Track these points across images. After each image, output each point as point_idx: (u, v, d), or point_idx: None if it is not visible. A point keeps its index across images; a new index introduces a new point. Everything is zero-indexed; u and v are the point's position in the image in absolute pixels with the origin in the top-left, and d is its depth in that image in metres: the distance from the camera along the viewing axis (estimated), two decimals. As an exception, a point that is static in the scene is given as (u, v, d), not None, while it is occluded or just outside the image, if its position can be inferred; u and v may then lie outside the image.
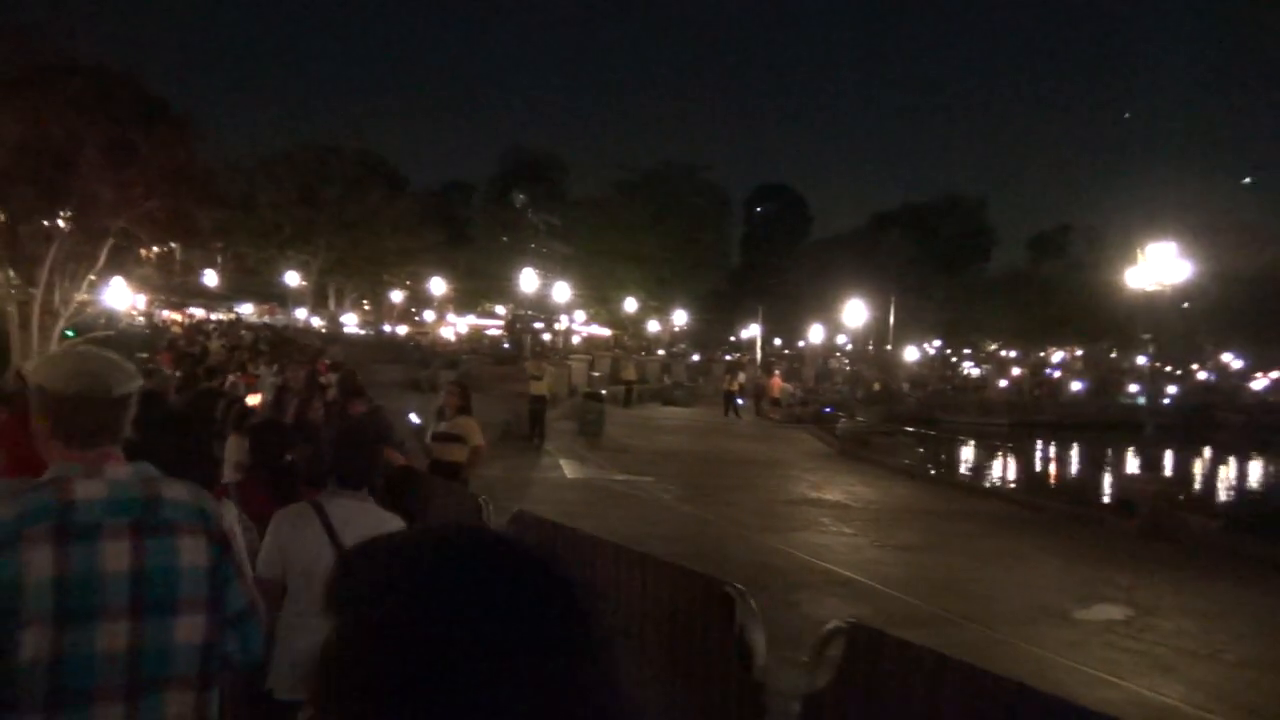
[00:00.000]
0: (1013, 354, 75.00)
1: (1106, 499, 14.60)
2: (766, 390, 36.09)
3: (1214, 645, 7.47)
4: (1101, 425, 45.66)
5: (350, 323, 53.22)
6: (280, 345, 25.11)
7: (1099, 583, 9.60)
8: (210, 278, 46.52)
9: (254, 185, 40.71)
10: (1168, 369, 65.91)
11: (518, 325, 50.10)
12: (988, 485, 23.05)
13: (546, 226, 54.53)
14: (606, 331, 61.05)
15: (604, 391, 25.99)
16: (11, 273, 18.88)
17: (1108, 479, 25.75)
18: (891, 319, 43.56)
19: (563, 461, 17.17)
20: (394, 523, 3.47)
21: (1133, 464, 30.84)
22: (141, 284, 27.84)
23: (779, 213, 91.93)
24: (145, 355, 19.00)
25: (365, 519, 3.32)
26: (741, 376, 37.34)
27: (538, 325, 52.98)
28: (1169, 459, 25.84)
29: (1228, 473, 32.27)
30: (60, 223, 19.32)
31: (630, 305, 52.46)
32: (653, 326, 58.57)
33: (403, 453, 7.24)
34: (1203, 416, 46.62)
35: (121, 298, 26.59)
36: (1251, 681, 6.69)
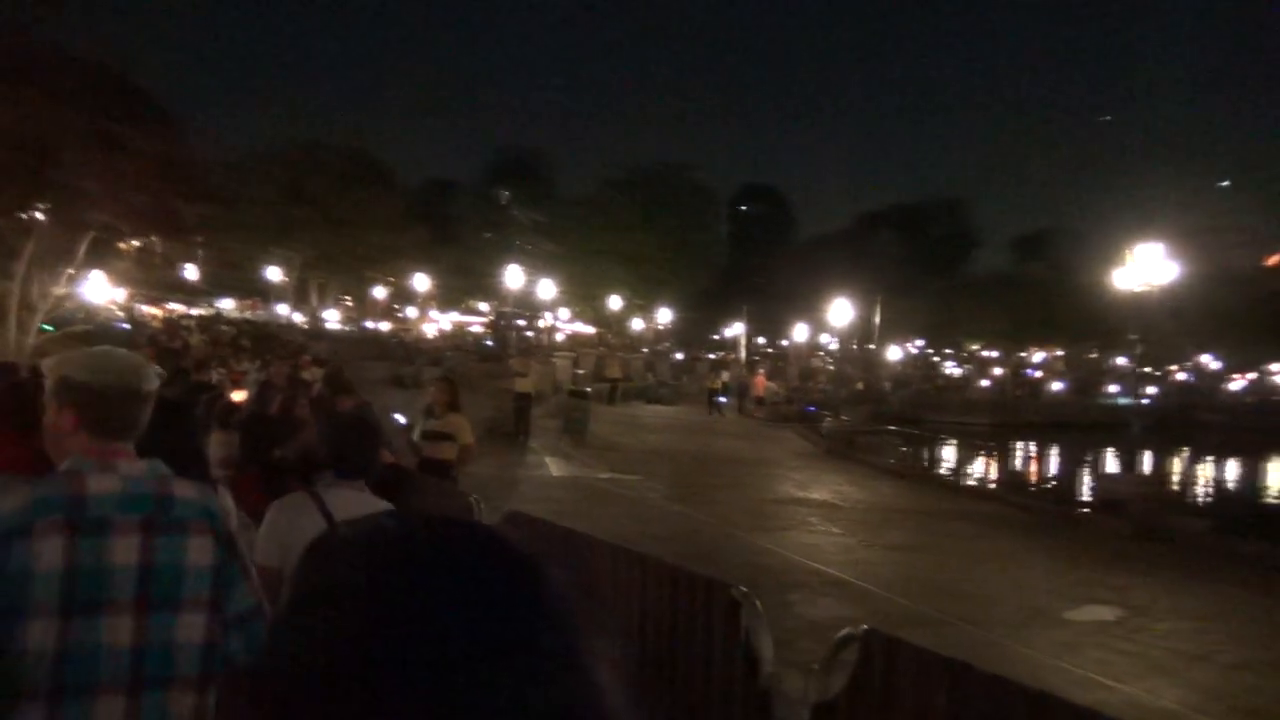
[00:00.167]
0: (994, 354, 75.38)
1: (1095, 500, 14.57)
2: (751, 389, 36.06)
3: (1208, 646, 7.44)
4: (1082, 425, 45.94)
5: (332, 319, 52.82)
6: (262, 341, 24.84)
7: (1090, 583, 9.57)
8: (191, 272, 45.92)
9: (240, 180, 40.26)
10: (1146, 370, 66.46)
11: (502, 322, 49.85)
12: (975, 485, 23.07)
13: (532, 223, 54.25)
14: (590, 329, 60.88)
15: (589, 389, 25.87)
16: (-12, 266, 18.58)
17: (1095, 479, 25.89)
18: (877, 319, 43.62)
19: (548, 459, 17.06)
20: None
21: (1115, 465, 31.04)
22: (121, 278, 27.44)
23: (764, 213, 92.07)
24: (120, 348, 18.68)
25: (364, 510, 3.13)
26: (725, 375, 37.31)
27: (521, 322, 52.75)
28: (1151, 459, 25.91)
29: (1212, 473, 32.47)
30: (39, 215, 19.01)
31: (616, 303, 52.32)
32: (637, 325, 58.46)
33: (390, 450, 7.10)
34: (1182, 417, 46.93)
35: (100, 292, 26.23)
36: (1247, 684, 6.66)
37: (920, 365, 72.99)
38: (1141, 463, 14.35)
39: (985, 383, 61.80)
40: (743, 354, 56.48)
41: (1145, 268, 13.18)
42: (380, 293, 58.10)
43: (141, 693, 1.87)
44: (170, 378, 10.08)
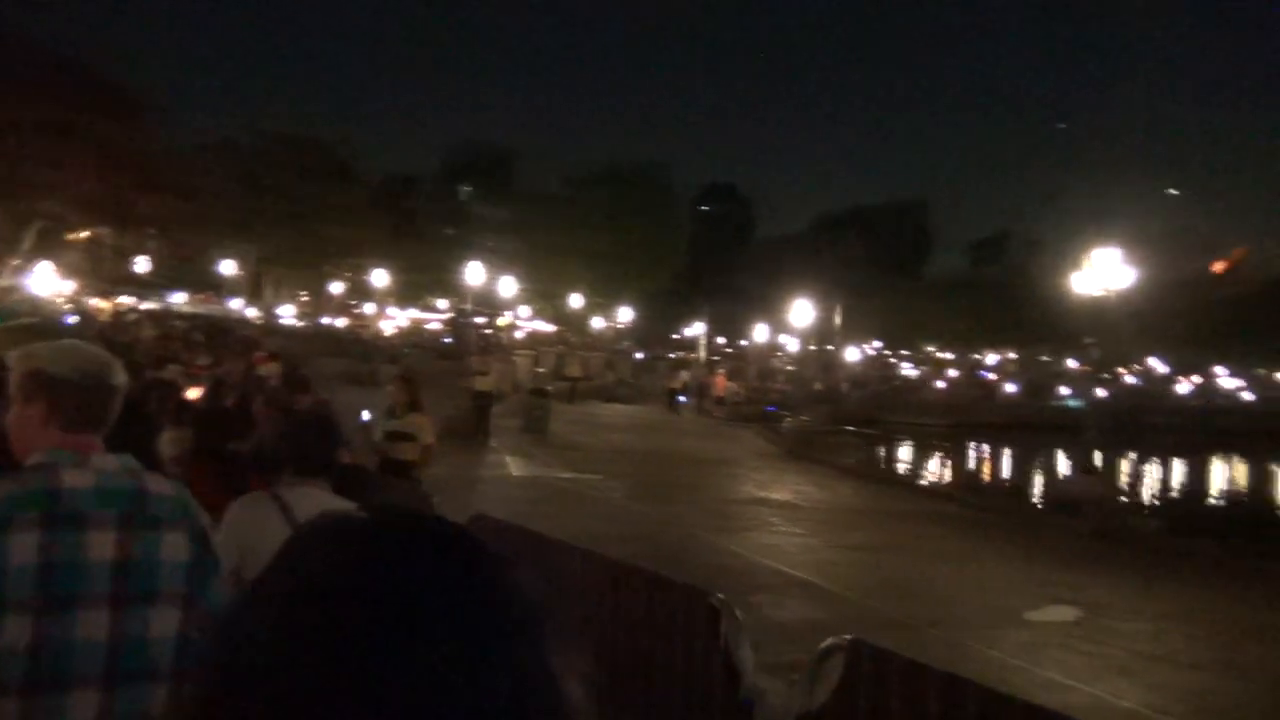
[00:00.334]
0: (950, 356, 76.40)
1: (1052, 500, 14.76)
2: (711, 389, 36.10)
3: (1168, 647, 7.52)
4: (1035, 427, 46.67)
5: (287, 314, 51.93)
6: (215, 336, 24.29)
7: (1051, 584, 9.64)
8: (143, 265, 44.83)
9: (196, 171, 39.40)
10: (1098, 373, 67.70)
11: (461, 320, 49.40)
12: (934, 486, 23.29)
13: (494, 220, 53.78)
14: (550, 327, 60.56)
15: (550, 388, 25.70)
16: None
17: (1051, 481, 26.22)
18: (838, 320, 43.93)
19: (509, 459, 16.88)
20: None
21: (1067, 466, 31.53)
22: (70, 270, 26.73)
23: (726, 213, 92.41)
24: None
25: (323, 507, 3.05)
26: (684, 374, 37.31)
27: (481, 320, 52.30)
28: (1103, 461, 26.36)
29: (1163, 475, 33.13)
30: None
31: (576, 302, 52.10)
32: (597, 323, 58.28)
33: (349, 449, 6.92)
34: (1130, 419, 47.87)
35: (48, 284, 25.51)
36: (1208, 684, 6.73)
37: (878, 366, 73.68)
38: (1097, 464, 14.51)
39: (941, 384, 62.51)
40: (702, 354, 56.55)
41: (1103, 272, 13.36)
42: (338, 288, 57.28)
43: (116, 687, 1.87)
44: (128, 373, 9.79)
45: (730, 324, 71.07)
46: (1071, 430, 43.14)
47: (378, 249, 50.50)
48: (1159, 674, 6.85)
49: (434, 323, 61.24)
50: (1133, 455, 34.58)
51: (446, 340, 47.24)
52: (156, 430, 5.54)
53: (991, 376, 68.07)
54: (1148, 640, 7.70)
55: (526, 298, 53.97)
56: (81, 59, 18.97)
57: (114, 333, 21.75)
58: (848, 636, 2.66)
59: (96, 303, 40.54)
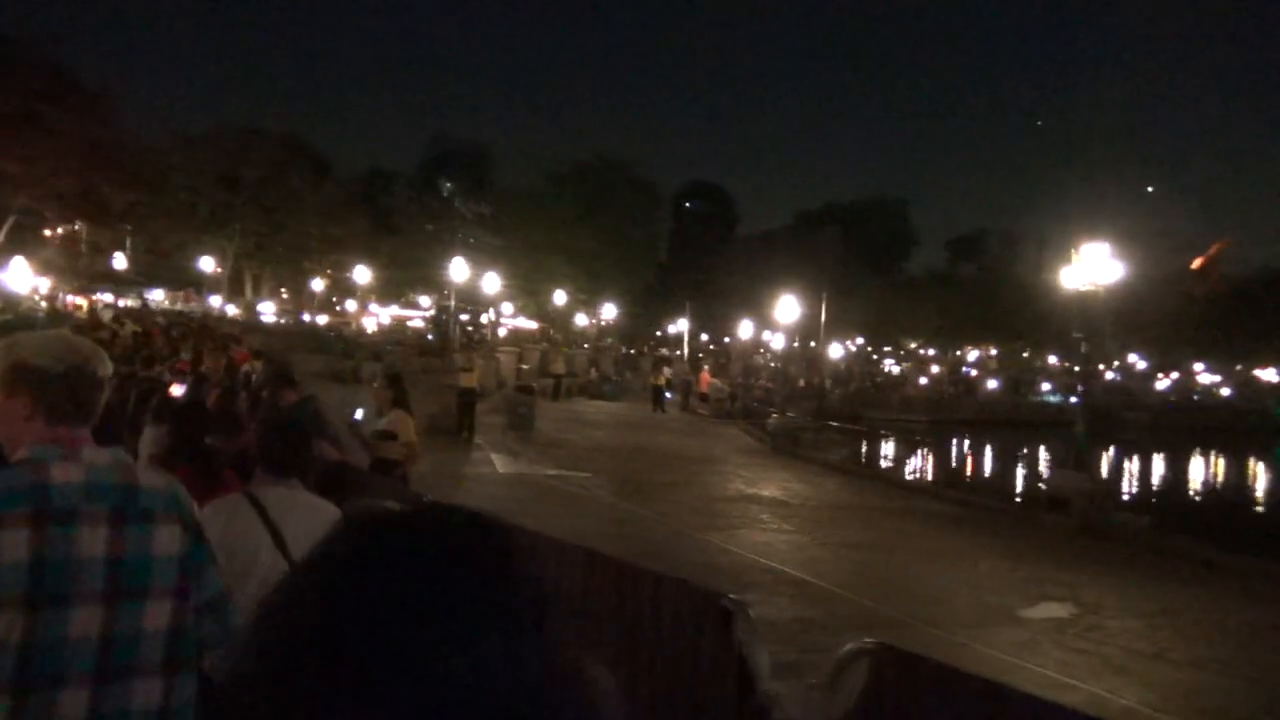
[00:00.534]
0: (931, 352, 76.74)
1: (1039, 497, 14.76)
2: (696, 385, 36.04)
3: (1160, 645, 7.49)
4: (1016, 423, 46.97)
5: (268, 311, 51.43)
6: (195, 333, 23.95)
7: (1042, 581, 9.61)
8: (119, 261, 44.22)
9: (171, 165, 38.91)
10: (1075, 369, 68.27)
11: (444, 317, 49.08)
12: (919, 482, 23.30)
13: (475, 216, 53.45)
14: (533, 324, 60.32)
15: (535, 385, 25.55)
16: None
17: (1036, 476, 26.28)
18: (823, 316, 43.96)
19: (494, 456, 16.73)
20: (329, 510, 3.44)
21: (1047, 462, 31.67)
22: (44, 266, 26.28)
23: (707, 209, 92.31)
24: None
25: (300, 507, 3.32)
26: (668, 371, 37.23)
27: (464, 317, 52.00)
28: (1087, 457, 26.49)
29: (1147, 470, 33.33)
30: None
31: (560, 298, 51.87)
32: (581, 320, 58.08)
33: (337, 446, 6.77)
34: (1109, 416, 48.26)
35: (22, 280, 25.08)
36: (1202, 682, 6.69)
37: (860, 363, 73.91)
38: (1083, 460, 14.50)
39: (924, 380, 62.73)
40: (686, 350, 56.46)
41: (1091, 267, 13.36)
42: (318, 285, 56.80)
43: (108, 683, 1.85)
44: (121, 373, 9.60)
45: (713, 321, 71.09)
46: (1051, 426, 43.51)
47: (357, 245, 50.11)
48: (1155, 672, 6.81)
49: (416, 320, 60.87)
50: (1113, 451, 34.86)
51: (429, 337, 46.92)
52: (139, 428, 5.40)
53: (973, 373, 68.39)
54: (1141, 638, 7.67)
55: (509, 294, 53.70)
56: (41, 47, 18.63)
57: (91, 330, 21.40)
58: (868, 640, 2.55)
59: (73, 299, 40.08)
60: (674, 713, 2.85)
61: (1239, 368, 69.64)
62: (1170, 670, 6.91)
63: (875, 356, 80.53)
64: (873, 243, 78.88)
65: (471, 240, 50.11)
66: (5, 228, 18.76)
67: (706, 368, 42.59)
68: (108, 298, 43.06)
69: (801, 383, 50.13)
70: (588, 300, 55.87)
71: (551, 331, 56.91)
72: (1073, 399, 57.39)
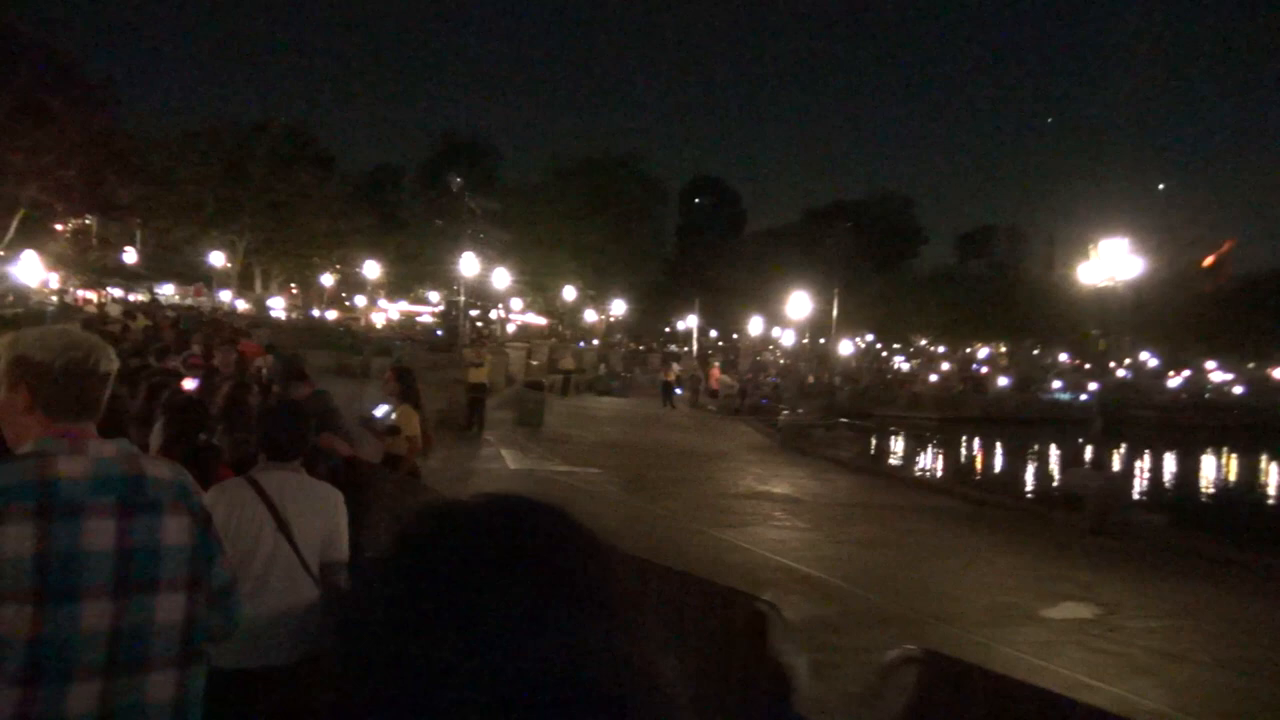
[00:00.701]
0: (941, 349, 76.44)
1: (1053, 494, 14.61)
2: (705, 381, 35.93)
3: (1184, 646, 7.36)
4: (1026, 420, 46.67)
5: (277, 306, 51.45)
6: (205, 326, 23.90)
7: (1058, 580, 9.48)
8: (129, 255, 44.26)
9: (177, 159, 38.88)
10: (1086, 367, 67.96)
11: (453, 312, 49.02)
12: (930, 479, 23.15)
13: (484, 211, 53.30)
14: (542, 320, 60.24)
15: (544, 381, 25.46)
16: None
17: (1048, 473, 26.11)
18: (835, 312, 43.80)
19: (504, 452, 16.64)
20: (331, 493, 3.55)
21: (1058, 459, 31.48)
22: (55, 260, 26.28)
23: (714, 206, 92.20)
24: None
25: (302, 490, 3.42)
26: (677, 367, 37.14)
27: (473, 313, 51.94)
28: (1098, 455, 26.31)
29: (1161, 468, 33.10)
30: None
31: (569, 294, 51.76)
32: (589, 316, 57.99)
33: (349, 441, 6.69)
34: (1121, 413, 47.96)
35: (33, 273, 25.08)
36: (1228, 684, 6.57)
37: (869, 359, 73.69)
38: (1099, 458, 14.36)
39: (933, 378, 62.45)
40: (695, 347, 56.33)
41: (1110, 263, 13.20)
42: (327, 280, 56.79)
43: (118, 676, 1.84)
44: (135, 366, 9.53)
45: (721, 317, 70.92)
46: (1062, 423, 43.24)
47: (364, 240, 50.06)
48: (1180, 673, 6.69)
49: (425, 315, 60.85)
50: (1125, 449, 34.62)
51: (438, 333, 46.86)
52: (150, 422, 5.32)
53: (983, 370, 68.08)
54: (1164, 638, 7.55)
55: (517, 290, 53.63)
56: (49, 41, 18.57)
57: (101, 324, 21.38)
58: (912, 646, 2.44)
59: (84, 294, 40.12)
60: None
61: (1251, 365, 69.18)
62: (1195, 672, 6.78)
63: (884, 353, 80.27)
64: (881, 240, 78.70)
65: (481, 236, 50.02)
66: (15, 221, 18.70)
67: (717, 364, 42.46)
68: (117, 292, 43.15)
69: (810, 379, 49.91)
70: (596, 296, 55.76)
71: (560, 327, 56.83)
72: (1082, 396, 57.21)
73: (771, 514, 12.74)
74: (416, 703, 0.57)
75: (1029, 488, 23.43)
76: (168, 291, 47.74)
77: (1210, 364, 70.72)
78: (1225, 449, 39.25)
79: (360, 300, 60.00)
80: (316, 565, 3.37)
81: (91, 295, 40.96)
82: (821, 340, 57.04)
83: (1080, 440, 30.16)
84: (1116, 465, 29.37)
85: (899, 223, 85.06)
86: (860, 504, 14.69)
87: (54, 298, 33.33)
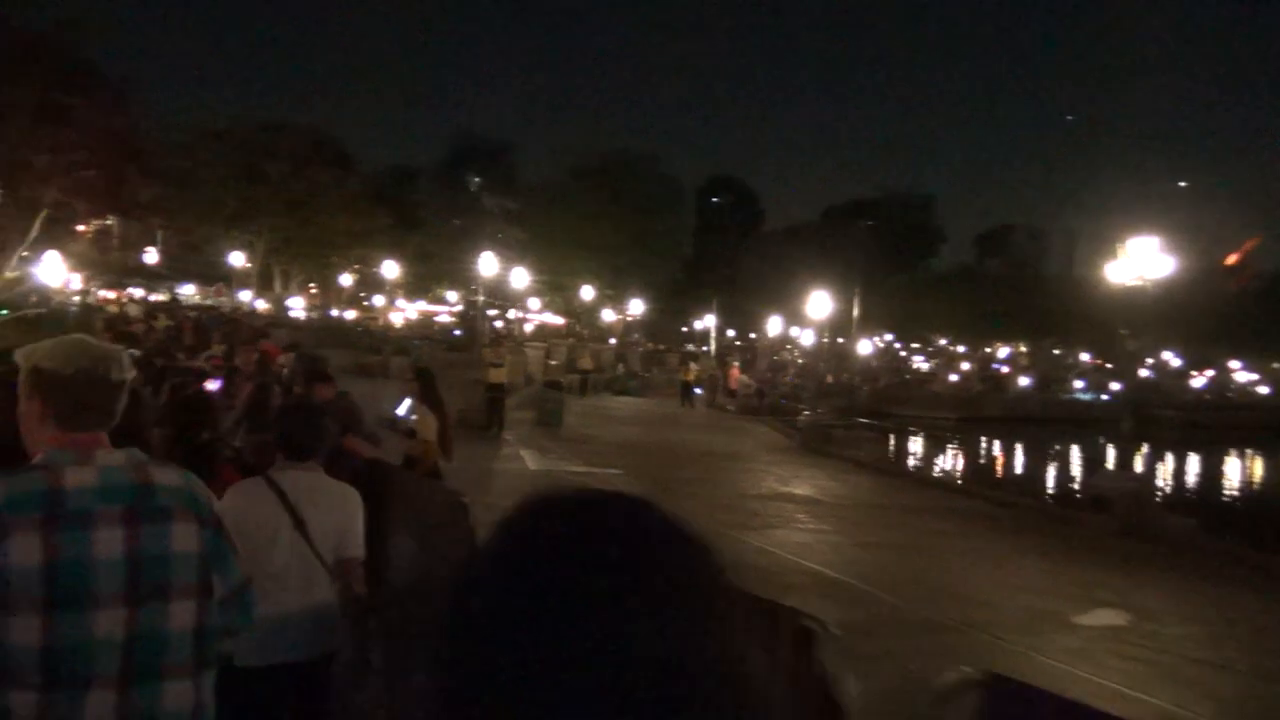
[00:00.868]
0: (961, 349, 75.92)
1: (1081, 497, 14.40)
2: (724, 381, 35.78)
3: (1224, 655, 7.18)
4: (1047, 420, 46.26)
5: (296, 306, 51.63)
6: (226, 326, 23.98)
7: (1089, 584, 9.30)
8: (151, 256, 44.49)
9: (196, 159, 39.06)
10: (1108, 366, 67.34)
11: (471, 312, 49.05)
12: (954, 481, 22.92)
13: (502, 211, 53.31)
14: (559, 320, 60.21)
15: (563, 381, 25.39)
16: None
17: (1072, 475, 25.78)
18: (855, 312, 43.51)
19: (523, 452, 16.56)
20: (347, 492, 3.56)
21: (1079, 460, 31.13)
22: (77, 260, 26.42)
23: (732, 204, 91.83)
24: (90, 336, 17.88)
25: (318, 489, 3.44)
26: (695, 367, 37.00)
27: (491, 313, 51.98)
28: (1121, 456, 25.99)
29: (1187, 470, 32.66)
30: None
31: (587, 293, 51.67)
32: (607, 316, 57.89)
33: (373, 443, 6.61)
34: (1143, 413, 47.39)
35: (55, 274, 25.19)
36: (1273, 696, 6.39)
37: (888, 359, 73.29)
38: (1127, 460, 14.12)
39: (953, 377, 62.02)
40: (713, 346, 56.14)
41: (1139, 262, 12.99)
42: (346, 280, 56.95)
43: (133, 684, 1.85)
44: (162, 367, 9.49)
45: (739, 316, 70.67)
46: (1083, 424, 42.79)
47: (382, 239, 50.15)
48: (1223, 684, 6.52)
49: (443, 315, 60.94)
50: (1147, 449, 34.22)
51: (456, 333, 46.88)
52: (161, 422, 5.26)
53: (1004, 369, 67.56)
54: (1203, 646, 7.36)
55: (536, 290, 53.61)
56: (68, 41, 18.62)
57: (125, 324, 21.47)
58: (967, 668, 2.30)
59: (105, 294, 40.36)
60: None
61: (1276, 365, 68.35)
62: (1237, 682, 6.61)
63: (903, 353, 79.80)
64: (900, 238, 78.26)
65: (499, 235, 50.03)
66: (38, 221, 18.77)
67: (736, 364, 42.27)
68: (138, 293, 43.39)
69: (829, 379, 49.65)
70: (613, 296, 55.67)
71: (578, 327, 56.77)
72: (1103, 396, 56.67)
73: (794, 516, 12.60)
74: (531, 692, 0.57)
75: (1055, 489, 23.17)
76: (188, 291, 48.00)
77: (1234, 363, 69.92)
78: (1250, 449, 38.75)
79: (379, 300, 60.13)
80: (332, 563, 3.40)
81: (112, 295, 41.25)
82: (840, 340, 56.68)
83: (1102, 440, 29.86)
84: (1140, 466, 29.04)
85: (919, 221, 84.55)
86: (883, 506, 14.52)
87: (76, 298, 33.58)
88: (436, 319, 58.89)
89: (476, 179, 61.50)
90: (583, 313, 56.43)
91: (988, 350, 75.25)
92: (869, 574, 9.21)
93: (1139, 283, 13.07)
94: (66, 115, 16.76)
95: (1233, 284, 68.17)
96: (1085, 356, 71.12)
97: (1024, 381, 60.66)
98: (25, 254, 20.38)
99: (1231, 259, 79.78)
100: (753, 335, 74.43)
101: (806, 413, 27.77)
